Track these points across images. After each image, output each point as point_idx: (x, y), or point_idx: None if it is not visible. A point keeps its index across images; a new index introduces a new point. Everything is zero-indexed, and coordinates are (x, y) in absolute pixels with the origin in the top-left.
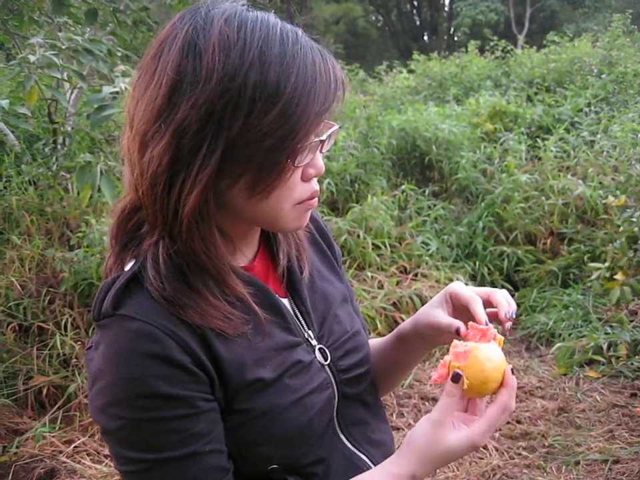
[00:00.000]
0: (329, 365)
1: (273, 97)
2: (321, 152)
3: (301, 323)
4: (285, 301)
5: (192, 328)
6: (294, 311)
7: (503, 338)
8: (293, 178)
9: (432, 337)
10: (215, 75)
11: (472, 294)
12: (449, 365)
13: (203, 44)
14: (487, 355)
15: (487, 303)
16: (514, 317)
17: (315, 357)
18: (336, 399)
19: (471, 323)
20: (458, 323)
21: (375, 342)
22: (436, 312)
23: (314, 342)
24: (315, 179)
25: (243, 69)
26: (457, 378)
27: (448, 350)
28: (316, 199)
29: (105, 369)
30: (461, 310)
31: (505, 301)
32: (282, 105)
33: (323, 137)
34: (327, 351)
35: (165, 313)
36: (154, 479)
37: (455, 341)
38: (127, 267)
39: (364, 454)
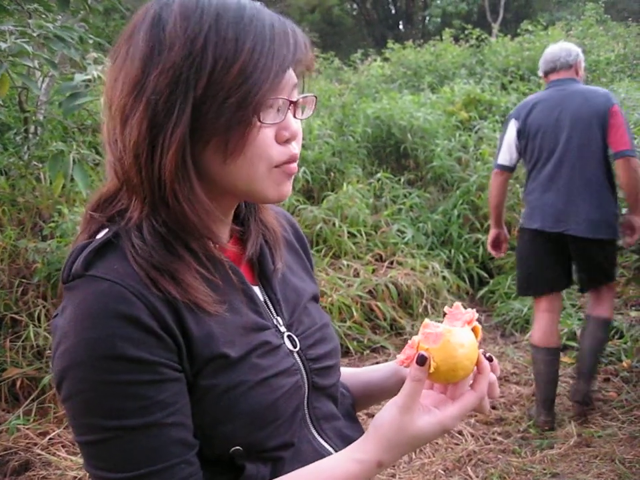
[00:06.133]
0: (297, 352)
1: (232, 54)
2: (295, 117)
3: (270, 310)
4: (256, 289)
5: (164, 297)
6: (264, 299)
7: (480, 327)
8: (264, 137)
9: None
10: (177, 41)
11: None
12: (417, 346)
13: (167, 16)
14: (459, 340)
15: None
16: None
17: (284, 342)
18: (306, 388)
19: (457, 303)
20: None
21: (362, 370)
22: None
23: (282, 328)
24: (294, 144)
25: (203, 32)
26: (422, 360)
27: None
28: (295, 164)
29: (69, 330)
30: None
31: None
32: (242, 62)
33: (294, 98)
34: (295, 338)
35: (138, 278)
36: (113, 450)
37: (427, 320)
38: (100, 235)
39: (333, 447)
